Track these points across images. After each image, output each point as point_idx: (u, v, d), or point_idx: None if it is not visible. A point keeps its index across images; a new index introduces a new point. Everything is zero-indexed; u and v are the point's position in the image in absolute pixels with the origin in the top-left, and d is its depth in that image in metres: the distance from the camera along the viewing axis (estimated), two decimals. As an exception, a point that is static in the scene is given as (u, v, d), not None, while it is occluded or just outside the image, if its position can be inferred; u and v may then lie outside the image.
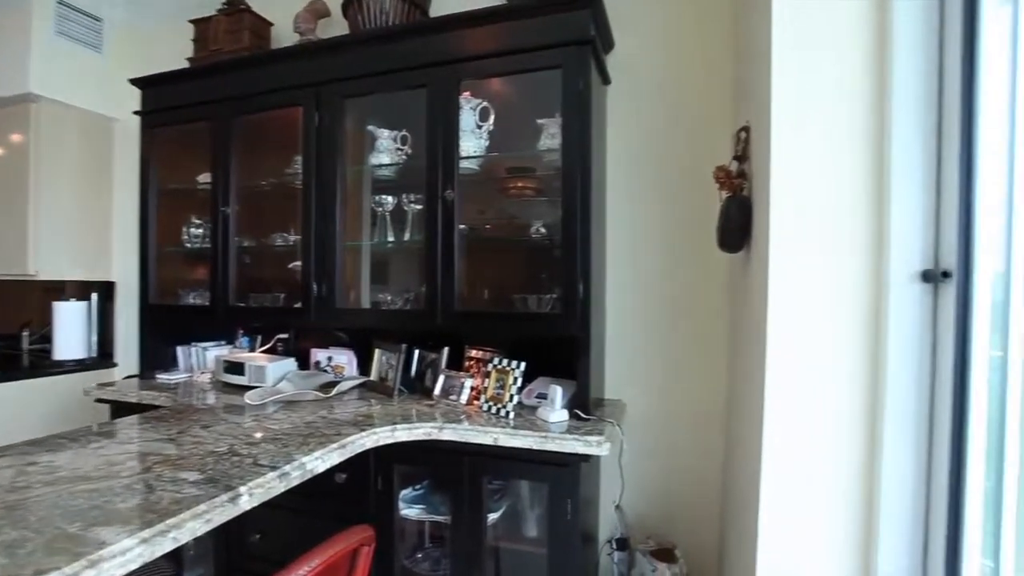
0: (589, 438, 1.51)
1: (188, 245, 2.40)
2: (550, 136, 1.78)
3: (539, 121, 1.82)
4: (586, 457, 1.55)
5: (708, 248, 1.74)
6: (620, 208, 2.01)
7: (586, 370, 1.67)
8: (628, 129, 2.00)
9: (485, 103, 1.86)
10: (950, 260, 1.02)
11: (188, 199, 2.41)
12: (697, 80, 1.92)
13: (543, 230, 1.85)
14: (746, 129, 1.43)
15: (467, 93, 1.85)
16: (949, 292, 1.03)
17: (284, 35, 2.42)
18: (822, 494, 1.15)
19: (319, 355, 2.21)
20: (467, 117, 1.85)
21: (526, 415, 1.71)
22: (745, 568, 1.36)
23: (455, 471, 1.65)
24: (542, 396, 1.75)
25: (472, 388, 1.84)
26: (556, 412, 1.64)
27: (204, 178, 2.30)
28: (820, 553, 1.16)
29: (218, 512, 1.00)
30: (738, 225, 1.39)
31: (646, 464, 1.99)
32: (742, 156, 1.44)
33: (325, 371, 2.16)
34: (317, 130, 2.04)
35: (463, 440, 1.60)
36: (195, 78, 2.28)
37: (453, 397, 1.85)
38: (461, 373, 1.89)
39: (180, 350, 2.37)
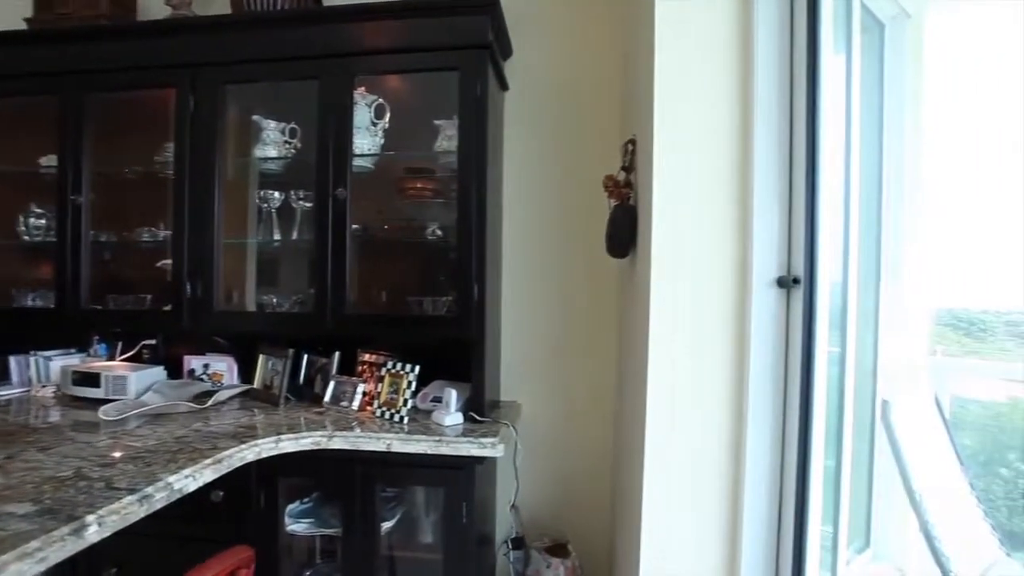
0: (484, 440, 1.52)
1: (26, 238, 2.07)
2: (447, 138, 1.77)
3: (436, 122, 1.80)
4: (481, 459, 1.56)
5: (600, 253, 1.83)
6: (516, 212, 2.05)
7: (481, 372, 1.68)
8: (525, 135, 2.05)
9: (381, 100, 1.81)
10: (799, 269, 1.17)
11: (26, 184, 2.08)
12: (591, 91, 2.02)
13: (439, 232, 1.83)
14: (633, 141, 1.53)
15: (362, 88, 1.79)
16: (798, 296, 1.17)
17: (153, 7, 2.17)
18: (698, 474, 1.26)
19: (194, 363, 2.01)
20: (362, 113, 1.78)
21: (421, 419, 1.69)
22: (632, 553, 1.44)
23: (346, 481, 1.58)
24: (437, 400, 1.73)
25: (365, 393, 1.77)
26: (451, 415, 1.63)
27: (48, 160, 2.00)
28: (695, 526, 1.27)
29: (56, 548, 0.87)
30: (624, 232, 1.48)
31: (541, 463, 2.05)
32: (629, 167, 1.53)
33: (201, 380, 1.97)
34: (193, 116, 1.85)
35: (355, 448, 1.54)
36: (36, 43, 1.97)
37: (344, 403, 1.78)
38: (353, 378, 1.81)
39: (14, 360, 2.03)
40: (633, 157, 1.52)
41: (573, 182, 2.01)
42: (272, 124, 1.89)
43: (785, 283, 1.19)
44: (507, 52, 1.98)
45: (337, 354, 1.87)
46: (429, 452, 1.52)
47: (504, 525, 2.01)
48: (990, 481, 3.34)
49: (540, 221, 2.05)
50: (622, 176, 1.53)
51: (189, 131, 1.85)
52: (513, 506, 1.94)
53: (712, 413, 1.25)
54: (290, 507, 1.66)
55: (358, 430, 1.57)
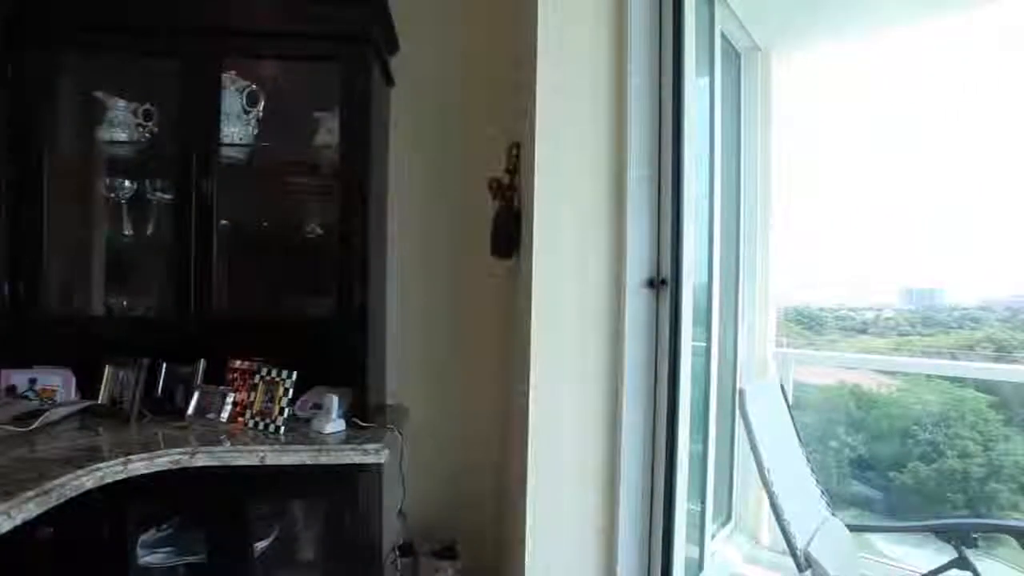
0: (367, 447, 1.47)
1: None
2: (328, 132, 1.69)
3: (317, 114, 1.71)
4: (365, 467, 1.50)
5: (487, 253, 1.85)
6: (403, 211, 2.01)
7: (364, 376, 1.62)
8: (412, 133, 2.01)
9: (254, 86, 1.67)
10: (666, 271, 1.27)
11: None
12: (479, 92, 2.03)
13: (319, 230, 1.74)
14: (517, 145, 1.56)
15: (233, 72, 1.64)
16: (665, 296, 1.27)
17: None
18: (579, 461, 1.32)
19: (16, 378, 1.71)
20: (232, 99, 1.64)
21: (300, 428, 1.58)
22: (518, 540, 1.47)
23: (213, 501, 1.44)
24: (318, 406, 1.64)
25: (235, 403, 1.63)
26: (332, 422, 1.56)
27: None
28: (576, 513, 1.33)
29: None
30: (508, 234, 1.51)
31: (429, 466, 2.02)
32: (514, 170, 1.56)
33: (26, 398, 1.68)
34: (12, 84, 1.57)
35: (223, 464, 1.40)
36: None
37: (212, 415, 1.62)
38: (222, 387, 1.66)
39: None
40: (517, 160, 1.55)
41: (460, 182, 2.01)
42: (121, 104, 1.67)
43: (654, 284, 1.28)
44: (393, 47, 1.93)
45: (203, 362, 1.70)
46: (308, 463, 1.43)
47: (392, 533, 1.96)
48: (824, 453, 3.88)
49: (427, 221, 2.02)
50: (506, 179, 1.56)
51: (7, 102, 1.57)
52: (400, 512, 1.90)
53: (592, 405, 1.32)
54: (144, 537, 1.47)
55: (227, 444, 1.44)
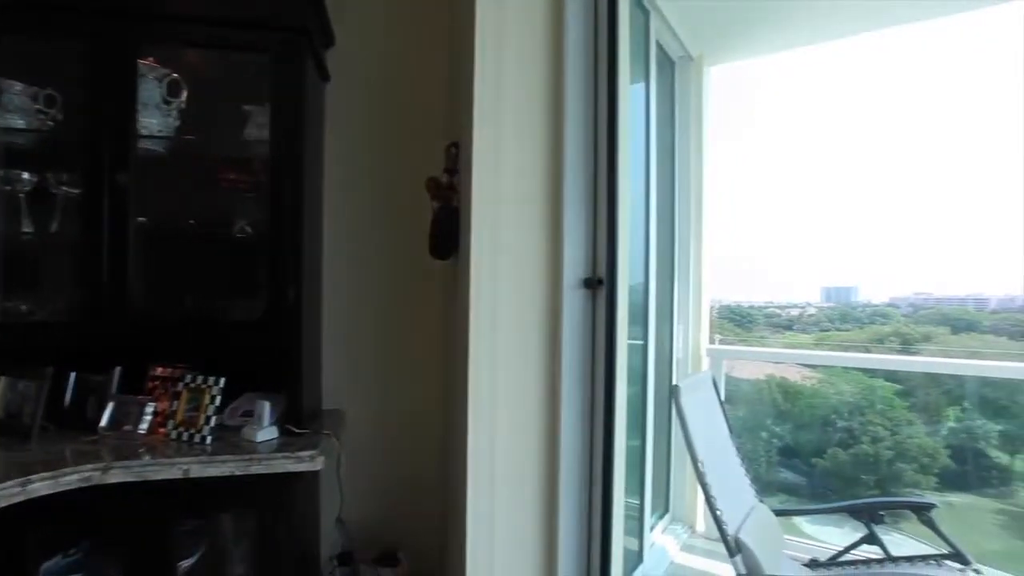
0: (302, 454, 1.41)
1: None
2: (258, 126, 1.61)
3: (246, 107, 1.62)
4: (299, 475, 1.44)
5: (427, 254, 1.82)
6: (339, 209, 1.94)
7: (298, 380, 1.56)
8: (348, 130, 1.95)
9: (176, 75, 1.57)
10: (602, 271, 1.30)
11: None
12: (418, 89, 2.00)
13: (249, 228, 1.66)
14: (456, 145, 1.55)
15: (151, 59, 1.53)
16: (601, 295, 1.30)
17: None
18: (519, 459, 1.32)
19: None
20: (150, 88, 1.53)
21: (229, 437, 1.50)
22: (459, 540, 1.46)
23: (131, 521, 1.34)
24: (248, 414, 1.56)
25: (156, 413, 1.52)
26: (264, 430, 1.49)
27: None
28: (517, 510, 1.33)
29: None
30: (447, 234, 1.49)
31: (368, 471, 1.97)
32: (452, 169, 1.55)
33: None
34: None
35: (142, 479, 1.31)
36: None
37: (129, 427, 1.51)
38: (140, 397, 1.55)
39: None
40: (456, 160, 1.54)
41: (399, 181, 1.97)
42: (17, 87, 1.52)
43: (591, 283, 1.30)
44: (329, 40, 1.87)
45: (118, 370, 1.58)
46: (238, 473, 1.36)
47: (331, 542, 1.90)
48: (755, 443, 4.10)
49: (364, 220, 1.97)
50: (445, 178, 1.55)
51: None
52: (339, 520, 1.84)
53: (531, 404, 1.33)
54: (47, 564, 1.35)
55: (147, 457, 1.35)
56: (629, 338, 2.27)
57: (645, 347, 2.29)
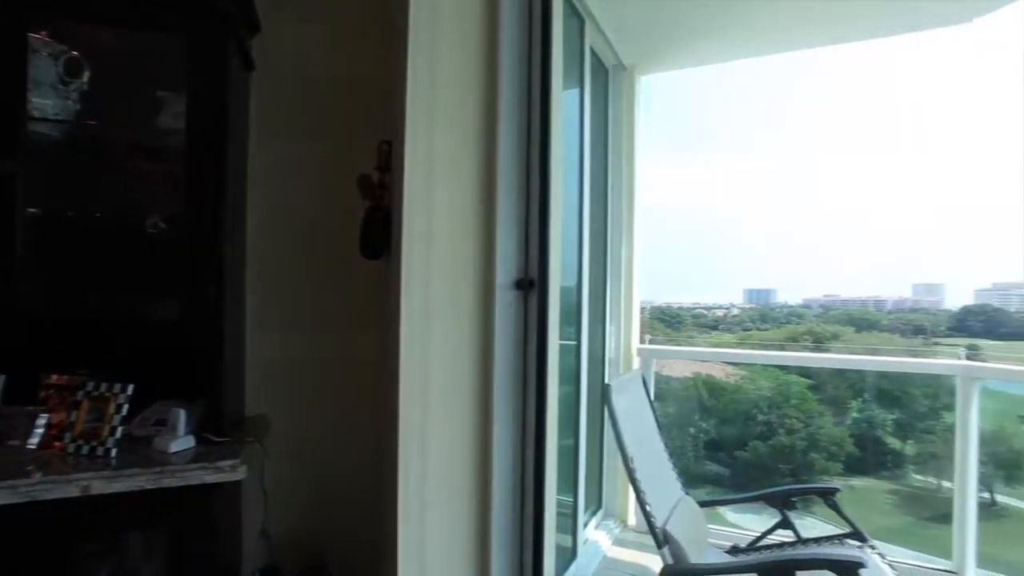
0: (221, 464, 1.33)
1: None
2: (174, 114, 1.50)
3: (160, 93, 1.51)
4: (218, 486, 1.35)
5: (357, 254, 1.77)
6: (265, 205, 1.85)
7: (219, 385, 1.47)
8: (275, 123, 1.86)
9: (74, 53, 1.44)
10: (534, 273, 1.31)
11: None
12: (351, 83, 1.94)
13: (163, 223, 1.54)
14: (388, 143, 1.52)
15: (44, 33, 1.40)
16: (534, 296, 1.32)
17: None
18: (451, 461, 1.31)
19: None
20: (44, 66, 1.39)
21: (138, 449, 1.39)
22: (390, 543, 1.42)
23: (18, 547, 1.21)
24: (161, 423, 1.45)
25: (50, 426, 1.38)
26: (179, 440, 1.39)
27: None
28: (449, 514, 1.32)
29: None
30: (378, 234, 1.46)
31: (296, 480, 1.88)
32: (385, 168, 1.52)
33: None
34: None
35: (31, 500, 1.18)
36: None
37: (16, 442, 1.36)
38: (30, 408, 1.40)
39: None
40: (388, 158, 1.51)
41: (329, 178, 1.90)
42: None
43: (523, 285, 1.32)
44: (253, 27, 1.77)
45: (3, 378, 1.42)
46: (148, 487, 1.26)
47: (254, 555, 1.80)
48: (683, 438, 4.29)
49: (292, 217, 1.89)
50: (377, 177, 1.51)
51: None
52: (263, 532, 1.75)
53: (463, 404, 1.32)
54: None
55: (37, 475, 1.22)
56: (563, 339, 2.31)
57: (578, 347, 2.34)
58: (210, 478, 1.31)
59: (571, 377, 2.33)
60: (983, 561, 2.42)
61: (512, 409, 1.33)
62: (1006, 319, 5.02)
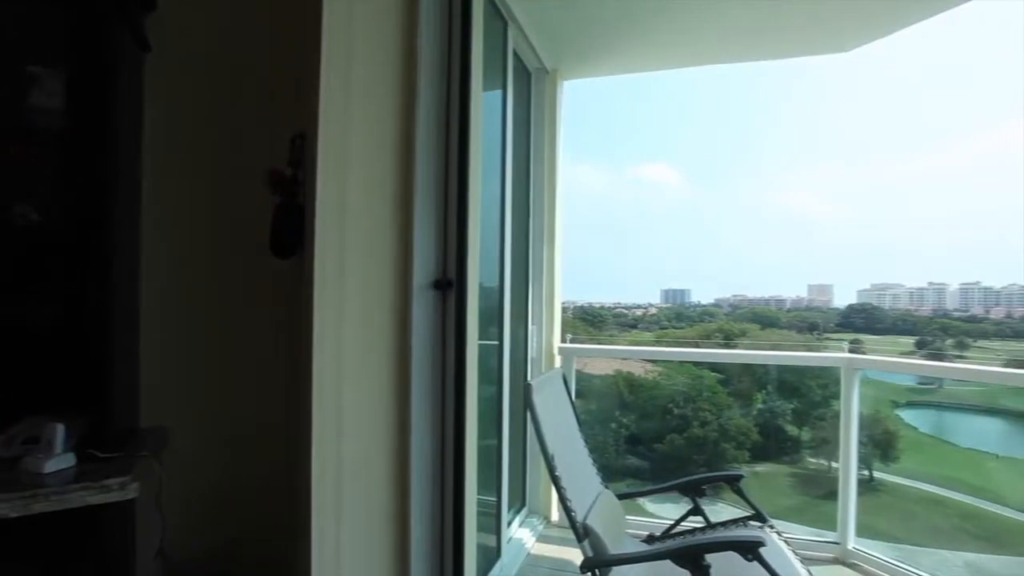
0: (108, 482, 1.20)
1: None
2: (49, 93, 1.35)
3: (32, 68, 1.35)
4: (104, 508, 1.23)
5: (267, 252, 1.67)
6: (164, 198, 1.71)
7: (105, 397, 1.34)
8: (176, 110, 1.72)
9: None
10: (452, 273, 1.30)
11: None
12: (261, 71, 1.82)
13: (35, 215, 1.38)
14: (302, 136, 1.45)
15: None
16: (452, 297, 1.30)
17: None
18: (368, 466, 1.27)
19: None
20: None
21: (2, 473, 1.23)
22: (303, 552, 1.36)
23: None
24: (32, 441, 1.30)
25: None
26: (55, 459, 1.24)
27: None
28: (367, 523, 1.27)
29: None
30: (290, 231, 1.39)
31: (199, 495, 1.75)
32: (297, 163, 1.45)
33: None
34: None
35: None
36: None
37: None
38: None
39: None
40: (302, 153, 1.44)
41: (237, 171, 1.79)
42: None
43: (441, 285, 1.30)
44: (149, 3, 1.63)
45: None
46: (12, 516, 1.12)
47: (149, 580, 1.65)
48: (605, 434, 4.44)
49: (196, 213, 1.75)
50: (289, 171, 1.44)
51: None
52: (160, 553, 1.61)
53: (379, 408, 1.28)
54: None
55: None
56: (486, 339, 2.32)
57: (501, 347, 2.35)
58: (95, 499, 1.19)
59: (493, 377, 2.34)
60: (861, 531, 2.70)
61: (431, 410, 1.31)
62: (882, 316, 5.64)
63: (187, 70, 1.75)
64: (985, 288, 5.36)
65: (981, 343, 5.10)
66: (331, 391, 1.22)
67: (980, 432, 4.26)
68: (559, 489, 1.83)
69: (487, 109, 2.25)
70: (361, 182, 1.25)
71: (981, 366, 3.34)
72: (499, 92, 2.31)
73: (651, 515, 3.20)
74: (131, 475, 1.25)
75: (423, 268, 1.27)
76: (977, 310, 5.34)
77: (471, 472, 1.42)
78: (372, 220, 1.25)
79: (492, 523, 2.41)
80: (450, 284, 1.29)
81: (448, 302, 1.31)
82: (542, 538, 2.82)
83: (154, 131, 1.70)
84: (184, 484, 1.72)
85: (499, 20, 2.32)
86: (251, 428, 1.84)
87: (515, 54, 2.52)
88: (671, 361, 4.64)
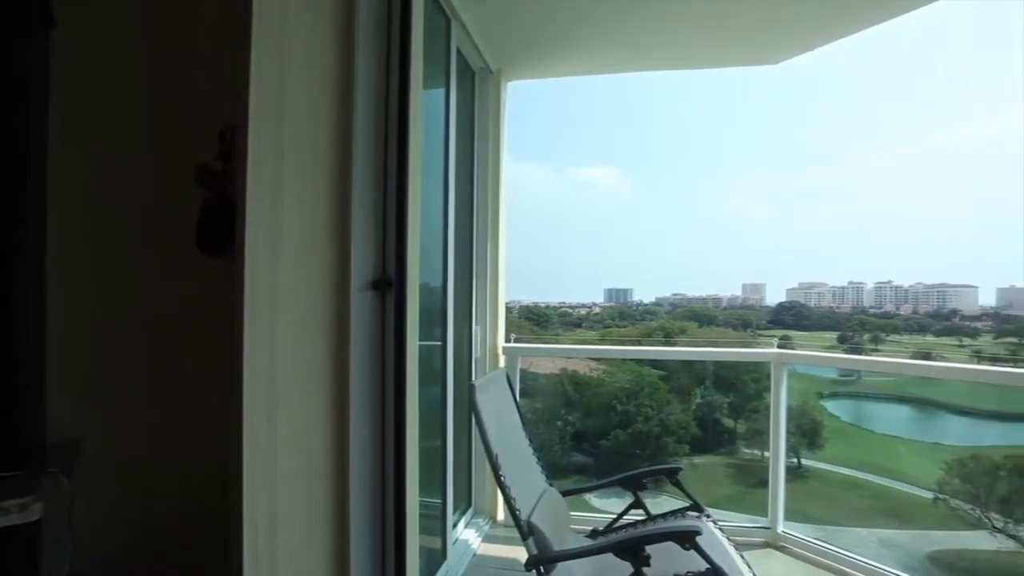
0: (6, 504, 1.10)
1: None
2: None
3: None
4: (2, 531, 1.12)
5: (195, 250, 1.58)
6: (76, 189, 1.58)
7: (3, 409, 1.22)
8: (89, 93, 1.59)
9: None
10: (392, 273, 1.28)
11: None
12: (188, 57, 1.72)
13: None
14: (232, 130, 1.38)
15: None
16: (391, 297, 1.28)
17: None
18: (302, 474, 1.22)
19: None
20: None
21: None
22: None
23: None
24: (-84, 460, 1.17)
25: None
26: (-58, 479, 1.12)
27: None
28: (303, 528, 1.22)
29: None
30: (219, 228, 1.32)
31: (121, 512, 1.63)
32: (227, 155, 1.37)
33: None
34: None
35: None
36: None
37: None
38: None
39: None
40: (232, 146, 1.37)
41: (161, 164, 1.68)
42: None
43: (380, 285, 1.27)
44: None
45: None
46: None
47: (60, 607, 1.52)
48: (551, 431, 4.49)
49: (116, 207, 1.63)
50: (218, 165, 1.36)
51: None
52: (72, 577, 1.48)
53: (316, 409, 1.24)
54: None
55: None
56: (429, 339, 2.29)
57: (444, 348, 2.32)
58: (-9, 522, 1.08)
59: (437, 378, 2.31)
60: (790, 515, 2.87)
61: (371, 412, 1.28)
62: (809, 313, 6.02)
63: (98, 50, 1.62)
64: (896, 287, 5.83)
65: (893, 337, 5.54)
66: (264, 394, 1.17)
67: (892, 419, 4.62)
68: (503, 488, 1.83)
69: (431, 107, 2.22)
70: (295, 179, 1.20)
71: (892, 359, 3.63)
72: (443, 90, 2.29)
73: (597, 510, 3.26)
74: (34, 494, 1.15)
75: (362, 268, 1.24)
76: (889, 307, 5.81)
77: (413, 474, 1.40)
78: (307, 218, 1.20)
79: (437, 525, 2.38)
80: (390, 284, 1.26)
81: (388, 302, 1.28)
82: (488, 538, 2.82)
83: (64, 112, 1.57)
84: (99, 502, 1.59)
85: (442, 16, 2.29)
86: (179, 435, 1.73)
87: (459, 52, 2.50)
88: (615, 359, 4.76)
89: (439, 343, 2.31)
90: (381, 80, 1.32)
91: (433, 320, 2.27)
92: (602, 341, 5.07)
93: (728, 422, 4.71)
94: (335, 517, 1.29)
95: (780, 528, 2.84)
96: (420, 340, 1.55)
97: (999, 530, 3.15)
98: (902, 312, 5.70)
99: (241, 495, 1.19)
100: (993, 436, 3.95)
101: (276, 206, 1.20)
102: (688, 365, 4.73)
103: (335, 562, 1.31)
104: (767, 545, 2.83)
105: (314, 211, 1.22)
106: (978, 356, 4.99)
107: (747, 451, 4.58)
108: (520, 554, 2.49)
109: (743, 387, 4.57)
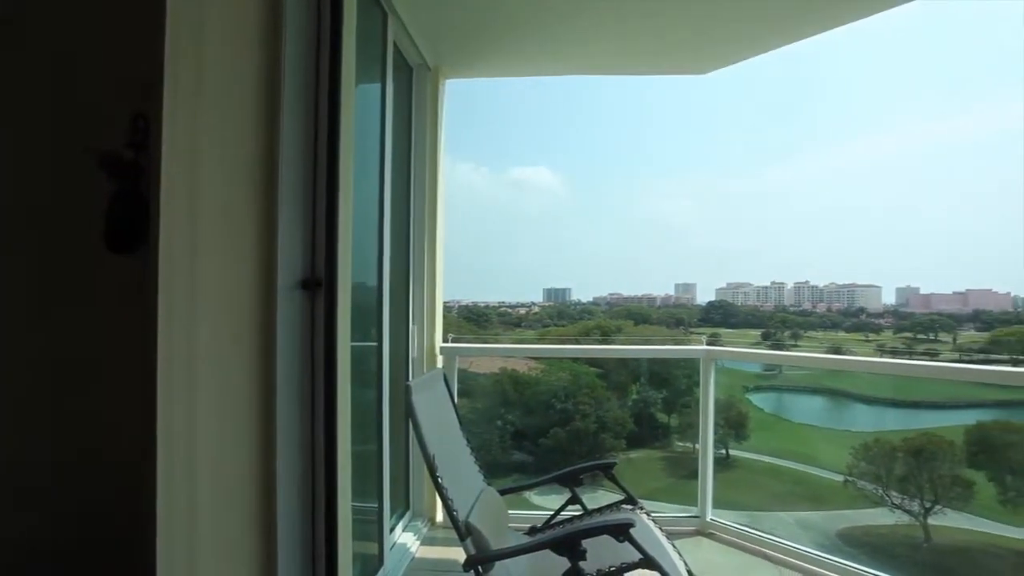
0: None
1: None
2: None
3: None
4: None
5: (102, 247, 1.46)
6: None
7: None
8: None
9: None
10: (321, 273, 1.23)
11: None
12: (92, 36, 1.58)
13: None
14: (144, 118, 1.28)
15: None
16: (321, 297, 1.23)
17: None
18: (225, 482, 1.15)
19: None
20: None
21: None
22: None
23: None
24: None
25: None
26: None
27: None
28: (226, 539, 1.16)
29: None
30: (130, 223, 1.22)
31: (19, 532, 1.48)
32: (140, 145, 1.28)
33: None
34: None
35: None
36: None
37: None
38: None
39: None
40: (145, 136, 1.27)
41: (63, 152, 1.54)
42: None
43: (309, 285, 1.23)
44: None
45: None
46: None
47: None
48: (491, 431, 4.50)
49: (6, 201, 1.48)
50: (129, 155, 1.26)
51: None
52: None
53: (239, 414, 1.17)
54: None
55: None
56: (364, 340, 2.23)
57: (380, 348, 2.27)
58: None
59: (372, 379, 2.25)
60: (718, 503, 3.02)
61: (299, 414, 1.23)
62: (736, 311, 6.38)
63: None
64: (812, 286, 6.30)
65: (810, 334, 5.98)
66: (181, 399, 1.10)
67: (808, 409, 4.98)
68: (441, 490, 1.82)
69: (366, 101, 2.17)
70: (214, 173, 1.13)
71: (809, 353, 3.91)
72: (378, 85, 2.24)
73: (538, 507, 3.30)
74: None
75: (289, 266, 1.19)
76: (807, 305, 6.26)
77: (345, 478, 1.36)
78: (228, 215, 1.13)
79: (374, 530, 2.32)
80: (319, 284, 1.21)
81: (317, 302, 1.24)
82: (427, 541, 2.79)
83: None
84: (13, 503, 1.44)
85: (378, 9, 2.24)
86: (88, 446, 1.59)
87: (396, 47, 2.45)
88: (553, 358, 4.83)
89: (375, 344, 2.25)
90: (311, 70, 1.27)
91: (368, 320, 2.21)
92: (541, 340, 5.14)
93: (662, 417, 4.89)
94: (261, 524, 1.22)
95: (709, 516, 2.98)
96: (354, 341, 1.51)
97: (897, 506, 3.47)
98: (818, 310, 6.16)
99: (155, 501, 1.12)
100: (892, 422, 4.36)
101: (194, 200, 1.13)
102: (624, 363, 4.87)
103: (263, 569, 1.25)
104: (697, 533, 2.96)
105: (237, 206, 1.15)
106: (880, 350, 5.49)
107: (680, 444, 4.77)
108: (459, 555, 2.48)
109: (675, 382, 4.75)
